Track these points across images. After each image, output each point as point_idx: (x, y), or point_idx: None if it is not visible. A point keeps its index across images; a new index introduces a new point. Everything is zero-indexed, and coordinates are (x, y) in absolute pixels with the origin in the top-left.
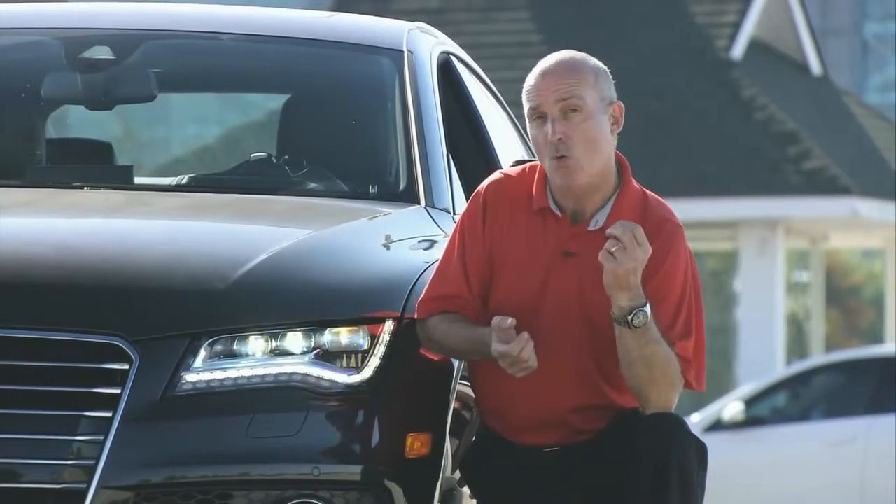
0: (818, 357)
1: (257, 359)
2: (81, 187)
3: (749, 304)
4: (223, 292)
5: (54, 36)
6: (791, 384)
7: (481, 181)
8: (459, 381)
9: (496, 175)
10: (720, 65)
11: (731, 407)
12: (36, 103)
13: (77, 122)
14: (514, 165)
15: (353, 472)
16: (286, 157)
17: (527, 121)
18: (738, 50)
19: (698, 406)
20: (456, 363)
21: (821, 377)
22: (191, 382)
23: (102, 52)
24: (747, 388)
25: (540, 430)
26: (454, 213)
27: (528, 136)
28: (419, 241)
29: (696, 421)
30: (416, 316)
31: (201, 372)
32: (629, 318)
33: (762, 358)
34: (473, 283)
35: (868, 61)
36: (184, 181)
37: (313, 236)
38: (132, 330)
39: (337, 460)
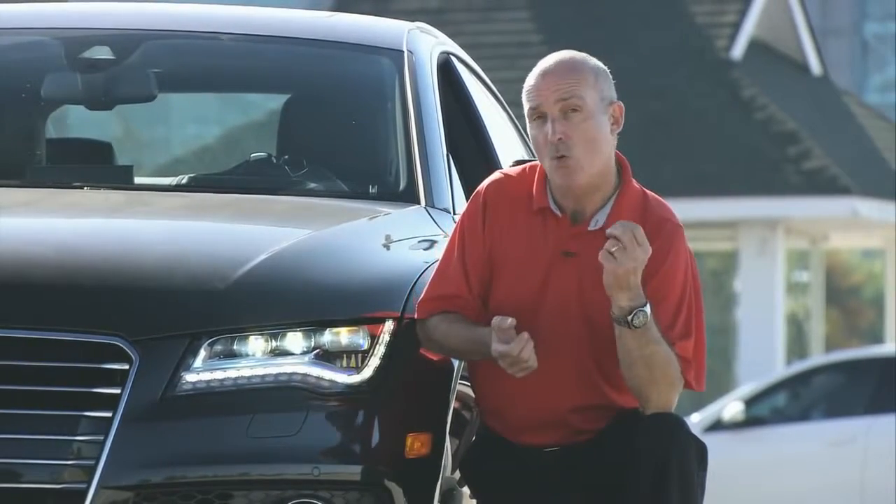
0: (818, 357)
1: (257, 359)
2: (81, 187)
3: (749, 304)
4: (223, 292)
5: (54, 36)
6: (791, 384)
7: (481, 181)
8: (459, 381)
9: (496, 175)
10: (720, 65)
11: (731, 407)
12: (36, 103)
13: (77, 122)
14: (513, 165)
15: (353, 472)
16: (286, 157)
17: (527, 121)
18: (738, 50)
19: (698, 406)
20: (456, 363)
21: (821, 377)
22: (191, 382)
23: (102, 52)
24: (747, 388)
25: (540, 430)
26: (454, 213)
27: (528, 136)
28: (419, 241)
29: (696, 421)
30: (416, 316)
31: (201, 372)
32: (629, 318)
33: (762, 358)
34: (473, 283)
35: (868, 61)
36: (184, 181)
37: (313, 236)
38: (132, 330)
39: (337, 460)
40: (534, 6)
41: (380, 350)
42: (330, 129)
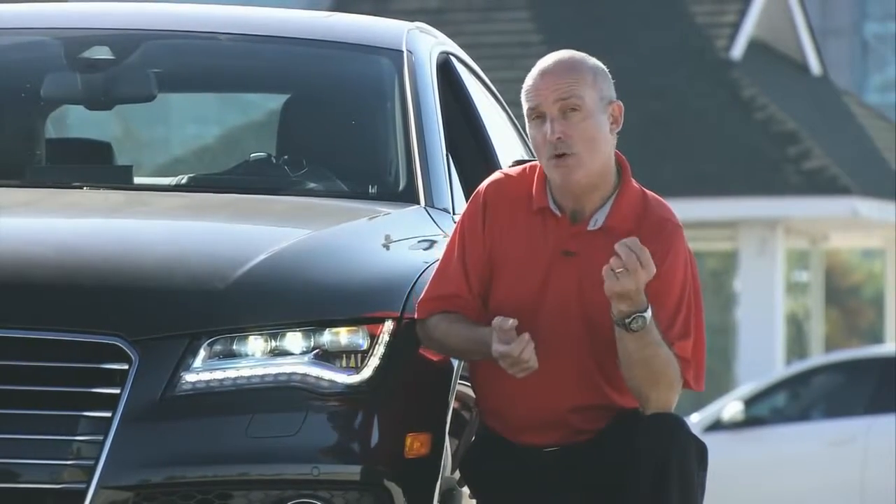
0: (818, 357)
1: (257, 359)
2: (81, 187)
3: (749, 304)
4: (223, 292)
5: (54, 36)
6: (791, 384)
7: (481, 181)
8: (459, 381)
9: (496, 175)
10: (720, 65)
11: (730, 407)
12: (36, 103)
13: (77, 122)
14: (513, 165)
15: (353, 472)
16: (286, 157)
17: (526, 121)
18: (737, 50)
19: (698, 406)
20: (455, 363)
21: (820, 377)
22: (190, 382)
23: (102, 52)
24: (747, 387)
25: (540, 430)
26: (454, 213)
27: (527, 136)
28: (419, 241)
29: (695, 421)
30: (416, 315)
31: (201, 372)
32: (627, 321)
33: (762, 358)
34: (473, 282)
35: (868, 61)
36: (183, 181)
37: (313, 236)
38: (132, 330)
39: (336, 460)
40: (534, 6)
41: (379, 350)
42: (329, 130)
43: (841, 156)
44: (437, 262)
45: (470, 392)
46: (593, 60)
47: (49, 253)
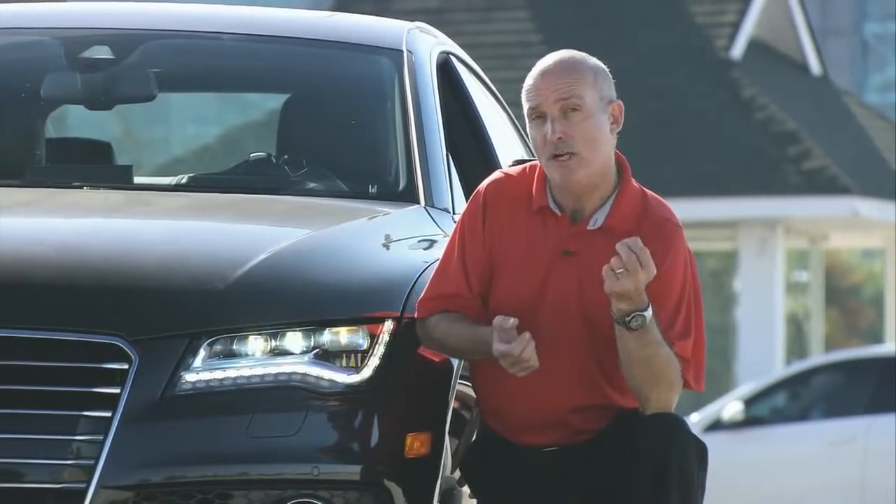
0: (818, 357)
1: (257, 358)
2: (81, 187)
3: (749, 304)
4: (223, 292)
5: (54, 36)
6: (791, 384)
7: (481, 181)
8: (459, 380)
9: (496, 175)
10: (720, 65)
11: (730, 407)
12: (36, 103)
13: (77, 122)
14: (513, 165)
15: (353, 471)
16: (286, 156)
17: (526, 121)
18: (737, 50)
19: (698, 406)
20: (455, 363)
21: (820, 377)
22: (190, 382)
23: (102, 52)
24: (747, 387)
25: (540, 430)
26: (454, 213)
27: (528, 136)
28: (419, 241)
29: (695, 421)
30: (416, 315)
31: (201, 372)
32: (627, 320)
33: (762, 358)
34: (473, 282)
35: (868, 61)
36: (183, 181)
37: (313, 236)
38: (132, 330)
39: (336, 460)
40: (533, 6)
41: (379, 350)
42: (329, 129)
43: (841, 156)
44: (437, 262)
45: (470, 392)
46: (594, 60)
47: (49, 253)
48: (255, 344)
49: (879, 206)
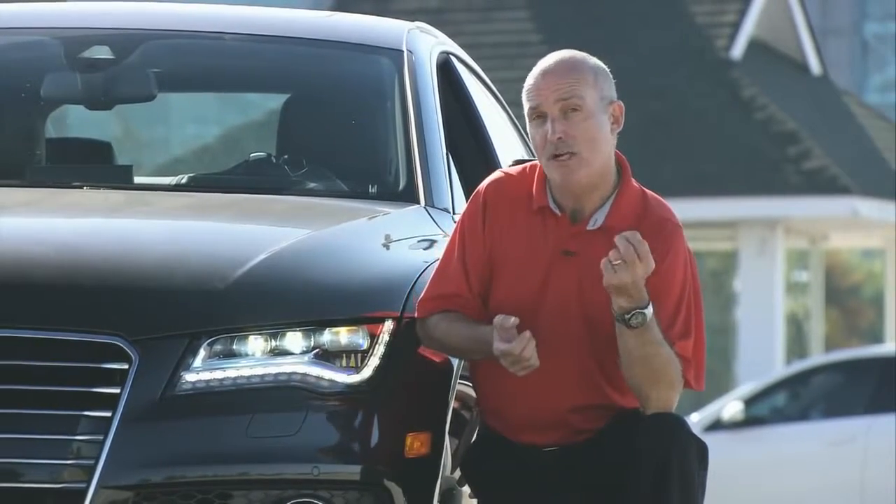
0: (818, 357)
1: (257, 358)
2: (81, 187)
3: (749, 304)
4: (223, 292)
5: (54, 36)
6: (791, 384)
7: (481, 181)
8: (459, 380)
9: (496, 175)
10: (720, 65)
11: (730, 407)
12: (36, 103)
13: (77, 122)
14: (513, 165)
15: (353, 471)
16: (286, 156)
17: (526, 120)
18: (737, 50)
19: (698, 406)
20: (455, 363)
21: (820, 377)
22: (190, 382)
23: (102, 52)
24: (747, 387)
25: (540, 430)
26: (454, 213)
27: (528, 136)
28: (419, 241)
29: (695, 420)
30: (416, 315)
31: (201, 371)
32: (627, 317)
33: (762, 358)
34: (473, 282)
35: (868, 61)
36: (183, 181)
37: (313, 236)
38: (132, 330)
39: (336, 460)
40: (533, 6)
41: (379, 350)
42: (329, 129)
43: (841, 156)
44: (437, 262)
45: (470, 392)
46: (594, 60)
47: (49, 253)
48: (255, 344)
49: (879, 206)
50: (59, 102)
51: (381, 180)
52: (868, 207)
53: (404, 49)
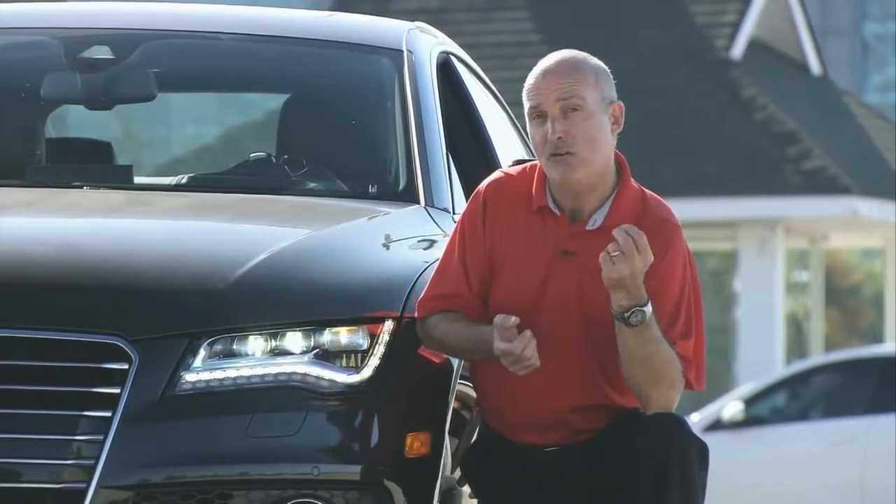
0: (818, 357)
1: (257, 358)
2: (81, 187)
3: (749, 304)
4: (223, 292)
5: (54, 36)
6: (791, 384)
7: (481, 181)
8: (459, 380)
9: (496, 174)
10: (720, 65)
11: (730, 406)
12: (36, 103)
13: (77, 122)
14: (513, 165)
15: (353, 471)
16: (286, 156)
17: (526, 120)
18: (737, 50)
19: (698, 406)
20: (455, 363)
21: (820, 377)
22: (190, 382)
23: (102, 52)
24: (747, 387)
25: (540, 430)
26: (454, 213)
27: (528, 135)
28: (419, 241)
29: (695, 420)
30: (416, 315)
31: (201, 371)
32: (626, 315)
33: (762, 358)
34: (473, 282)
35: (868, 61)
36: (183, 181)
37: (313, 236)
38: (132, 330)
39: (336, 460)
40: (533, 6)
41: (379, 350)
42: (329, 129)
43: (841, 156)
44: (437, 262)
45: (470, 392)
46: (595, 60)
47: (49, 253)
48: (255, 344)
49: (879, 206)
50: (59, 102)
51: (381, 180)
52: (868, 207)
53: (404, 49)
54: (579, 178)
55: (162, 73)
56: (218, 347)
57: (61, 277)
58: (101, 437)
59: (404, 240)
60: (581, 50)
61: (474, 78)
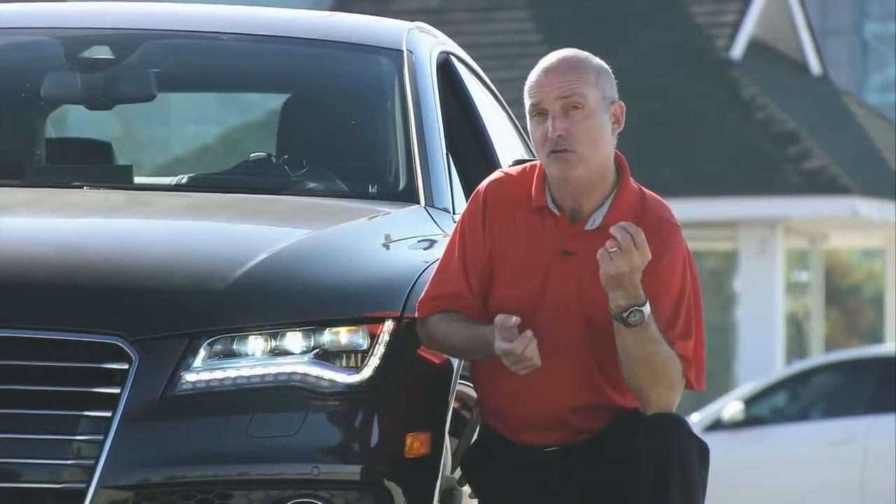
0: (818, 357)
1: (257, 358)
2: (81, 187)
3: (749, 304)
4: (223, 292)
5: (54, 36)
6: (791, 384)
7: (481, 181)
8: (459, 380)
9: (496, 174)
10: (720, 65)
11: (730, 406)
12: (36, 103)
13: (77, 122)
14: (513, 165)
15: (353, 471)
16: (286, 156)
17: (527, 117)
18: (737, 50)
19: (698, 406)
20: (455, 363)
21: (820, 377)
22: (190, 382)
23: (102, 52)
24: (747, 387)
25: (540, 430)
26: (454, 213)
27: (528, 135)
28: (419, 241)
29: (695, 420)
30: (416, 315)
31: (201, 371)
32: (624, 315)
33: (762, 358)
34: (473, 282)
35: (868, 61)
36: (183, 181)
37: (313, 236)
38: (132, 330)
39: (336, 460)
40: (533, 6)
41: (379, 350)
42: (329, 129)
43: (841, 156)
44: (438, 262)
45: (470, 392)
46: (597, 60)
47: (49, 253)
48: (255, 344)
49: (879, 206)
50: (59, 102)
51: (381, 180)
52: (868, 207)
53: (404, 49)
54: (579, 176)
55: (162, 73)
56: (218, 347)
57: (61, 277)
58: (101, 437)
59: (404, 240)
60: (581, 50)
61: (474, 78)
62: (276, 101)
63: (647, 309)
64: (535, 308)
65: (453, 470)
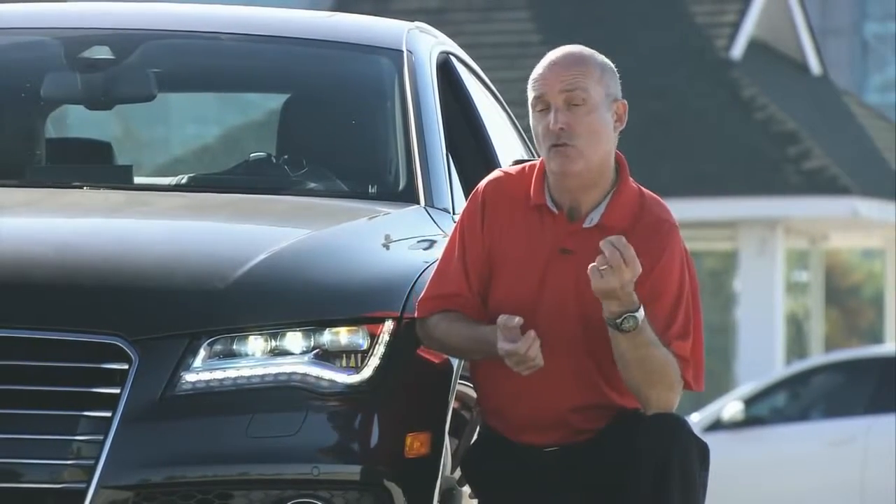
0: (818, 357)
1: (257, 358)
2: (81, 187)
3: (748, 304)
4: (223, 292)
5: (54, 36)
6: (791, 384)
7: (481, 181)
8: (459, 380)
9: (495, 174)
10: (720, 65)
11: (730, 407)
12: (36, 103)
13: (77, 122)
14: (513, 165)
15: (353, 471)
16: (286, 156)
17: (530, 111)
18: (737, 50)
19: (698, 406)
20: (455, 363)
21: (820, 377)
22: (190, 382)
23: (102, 52)
24: (747, 387)
25: (540, 430)
26: (454, 213)
27: (527, 136)
28: (419, 241)
29: (695, 420)
30: (416, 315)
31: (201, 372)
32: (618, 321)
33: (762, 358)
34: (473, 281)
35: (868, 61)
36: (183, 181)
37: (313, 236)
38: (132, 330)
39: (336, 460)
40: (534, 6)
41: (379, 350)
42: (329, 129)
43: (841, 156)
44: (437, 262)
45: (470, 392)
46: (602, 57)
47: (49, 253)
48: (255, 344)
49: (879, 206)
50: (59, 102)
51: (381, 180)
52: (868, 207)
53: (404, 49)
54: (578, 171)
55: (162, 73)
56: (218, 347)
57: (61, 277)
58: (101, 438)
59: (404, 240)
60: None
61: (474, 78)
62: (276, 101)
63: (640, 314)
64: (534, 307)
65: (453, 470)
